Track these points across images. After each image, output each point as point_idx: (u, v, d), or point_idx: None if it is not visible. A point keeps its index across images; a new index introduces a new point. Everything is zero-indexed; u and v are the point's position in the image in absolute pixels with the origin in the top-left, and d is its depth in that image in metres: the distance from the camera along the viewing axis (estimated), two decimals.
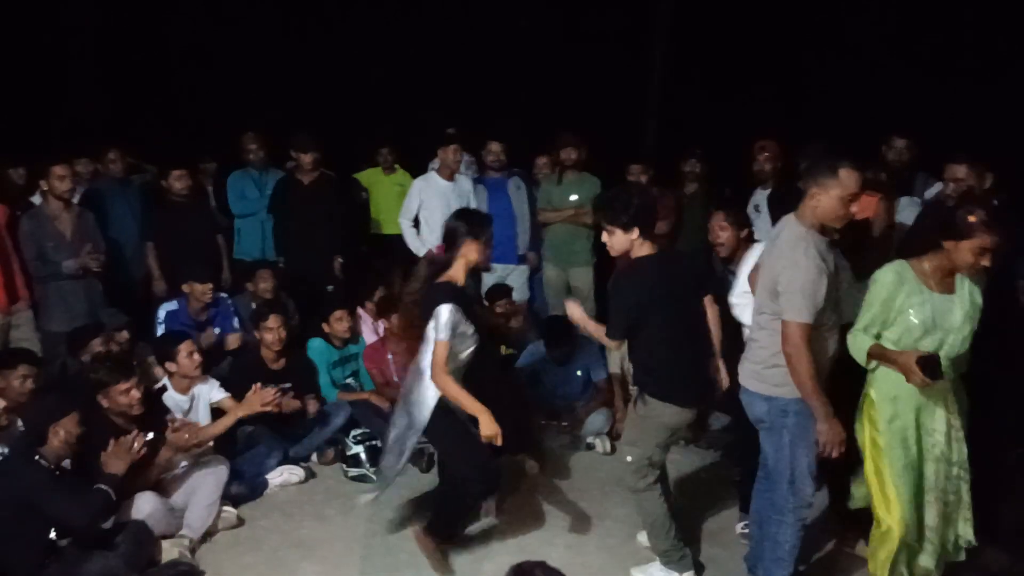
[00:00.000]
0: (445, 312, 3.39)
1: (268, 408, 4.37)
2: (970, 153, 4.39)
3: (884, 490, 3.19)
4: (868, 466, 3.27)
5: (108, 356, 4.28)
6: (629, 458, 3.55)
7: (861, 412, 3.31)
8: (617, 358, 5.27)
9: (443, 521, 3.79)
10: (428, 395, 3.54)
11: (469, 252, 3.54)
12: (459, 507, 3.76)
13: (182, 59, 9.82)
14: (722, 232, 4.10)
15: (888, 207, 4.27)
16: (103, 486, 3.50)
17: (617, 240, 3.42)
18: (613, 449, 5.00)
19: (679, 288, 3.46)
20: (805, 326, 2.99)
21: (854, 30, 9.30)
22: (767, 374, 3.19)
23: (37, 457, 3.41)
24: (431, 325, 3.44)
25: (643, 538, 3.92)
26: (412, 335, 3.63)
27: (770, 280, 3.11)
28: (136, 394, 3.91)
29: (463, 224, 3.58)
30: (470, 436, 3.54)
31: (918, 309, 3.08)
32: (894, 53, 8.86)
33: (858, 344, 3.19)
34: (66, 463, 3.59)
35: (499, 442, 3.44)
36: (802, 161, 4.57)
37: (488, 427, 3.41)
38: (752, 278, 3.58)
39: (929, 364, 2.96)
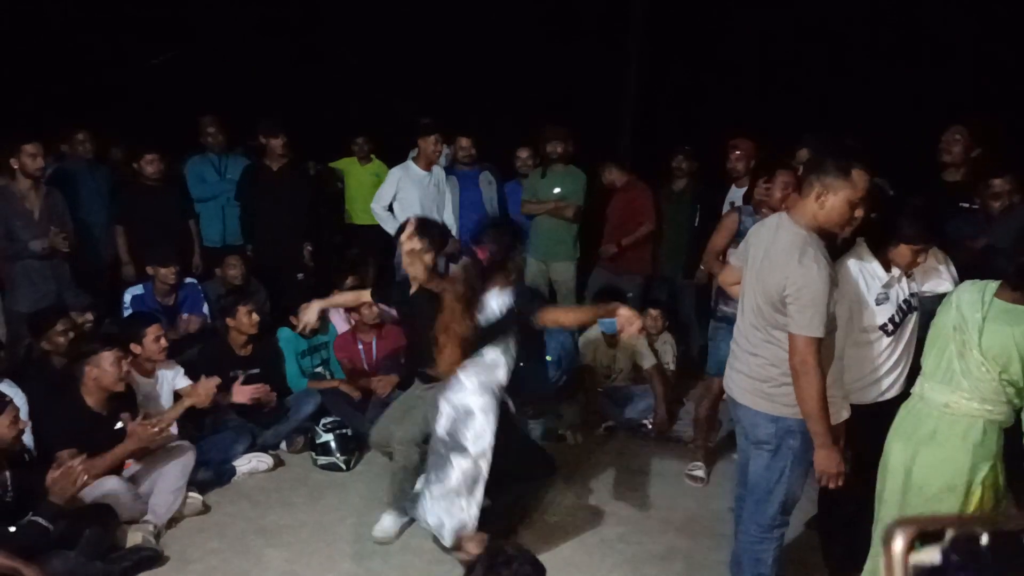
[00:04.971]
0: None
1: (241, 400, 4.47)
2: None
3: None
4: None
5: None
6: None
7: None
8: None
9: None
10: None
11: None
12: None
13: (158, 45, 9.69)
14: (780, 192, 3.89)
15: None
16: (39, 519, 3.17)
17: None
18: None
19: None
20: (816, 340, 2.73)
21: (832, 24, 9.33)
22: (776, 393, 2.91)
23: None
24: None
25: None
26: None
27: (774, 290, 2.80)
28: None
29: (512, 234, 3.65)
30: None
31: None
32: (872, 47, 8.90)
33: None
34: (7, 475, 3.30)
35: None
36: (803, 154, 4.41)
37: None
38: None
39: None
